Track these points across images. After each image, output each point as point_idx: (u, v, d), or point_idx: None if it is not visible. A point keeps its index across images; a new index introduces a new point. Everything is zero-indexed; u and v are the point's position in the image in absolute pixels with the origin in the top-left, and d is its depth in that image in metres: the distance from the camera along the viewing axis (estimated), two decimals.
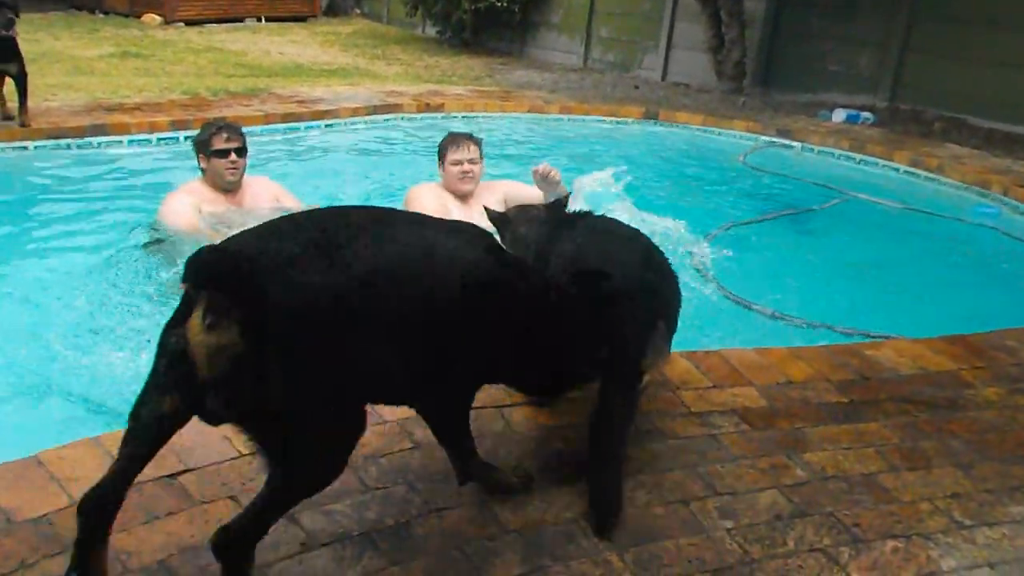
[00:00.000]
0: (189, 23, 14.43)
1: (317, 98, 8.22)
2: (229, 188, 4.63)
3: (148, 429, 1.94)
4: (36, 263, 4.56)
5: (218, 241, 1.88)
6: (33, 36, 11.93)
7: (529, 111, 8.61)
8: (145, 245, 4.55)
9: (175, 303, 1.93)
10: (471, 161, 4.63)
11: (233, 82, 8.92)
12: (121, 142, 6.47)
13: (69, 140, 6.22)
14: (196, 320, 1.80)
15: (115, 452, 2.48)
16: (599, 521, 2.39)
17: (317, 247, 1.89)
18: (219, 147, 4.53)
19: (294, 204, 4.88)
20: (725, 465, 2.70)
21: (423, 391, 2.23)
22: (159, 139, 6.66)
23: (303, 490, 2.06)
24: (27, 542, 2.15)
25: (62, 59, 10.04)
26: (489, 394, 2.78)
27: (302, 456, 1.96)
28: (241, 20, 15.24)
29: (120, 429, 2.62)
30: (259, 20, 15.51)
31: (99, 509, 1.95)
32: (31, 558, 2.11)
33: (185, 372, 1.82)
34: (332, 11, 17.00)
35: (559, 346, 2.41)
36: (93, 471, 2.43)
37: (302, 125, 7.33)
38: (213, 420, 1.96)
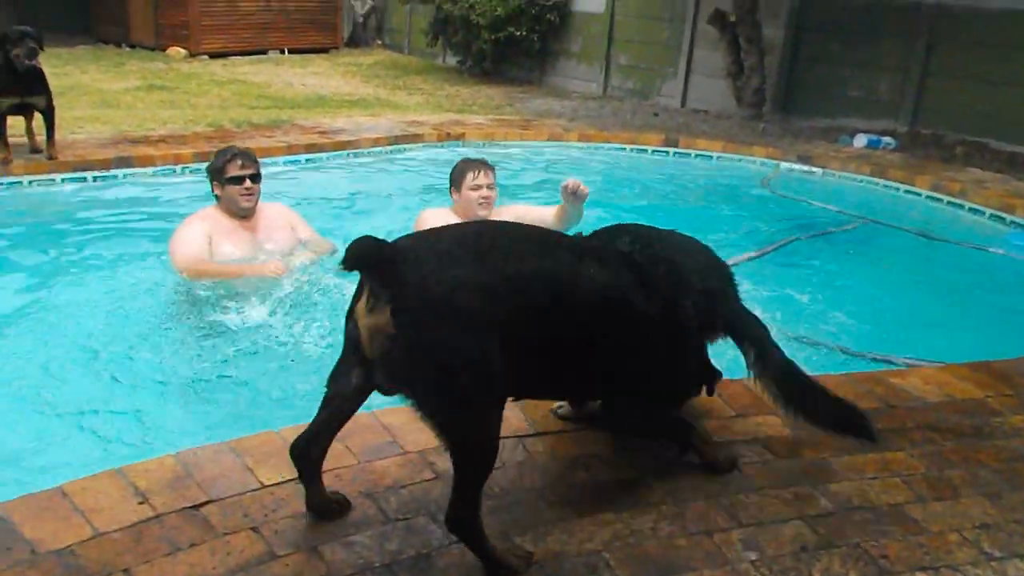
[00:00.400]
0: (213, 56, 14.63)
1: (339, 128, 8.30)
2: (244, 215, 4.64)
3: (339, 398, 2.29)
4: (62, 296, 4.61)
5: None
6: (61, 70, 12.17)
7: (549, 139, 8.65)
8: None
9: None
10: (490, 187, 4.67)
11: (256, 114, 9.04)
12: (146, 174, 6.56)
13: (95, 173, 6.30)
14: (361, 303, 2.10)
15: (138, 484, 2.53)
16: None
17: (470, 248, 2.14)
18: (233, 174, 4.54)
19: (307, 232, 4.93)
20: (749, 495, 2.68)
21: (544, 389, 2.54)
22: (184, 169, 6.73)
23: (471, 467, 2.20)
24: (52, 573, 2.16)
25: (89, 92, 10.21)
26: (509, 424, 2.78)
27: (459, 431, 2.15)
28: (264, 52, 15.44)
29: (143, 460, 2.67)
30: (282, 52, 15.71)
31: (303, 457, 2.36)
32: None
33: (360, 350, 2.13)
34: (354, 43, 17.19)
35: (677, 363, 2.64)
36: (117, 502, 2.45)
37: (324, 155, 7.40)
38: (385, 393, 2.24)
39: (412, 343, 2.03)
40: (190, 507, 2.43)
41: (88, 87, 10.67)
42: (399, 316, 2.02)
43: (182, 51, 14.76)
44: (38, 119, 6.33)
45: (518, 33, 12.76)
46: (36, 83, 6.13)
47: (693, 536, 2.47)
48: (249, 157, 4.64)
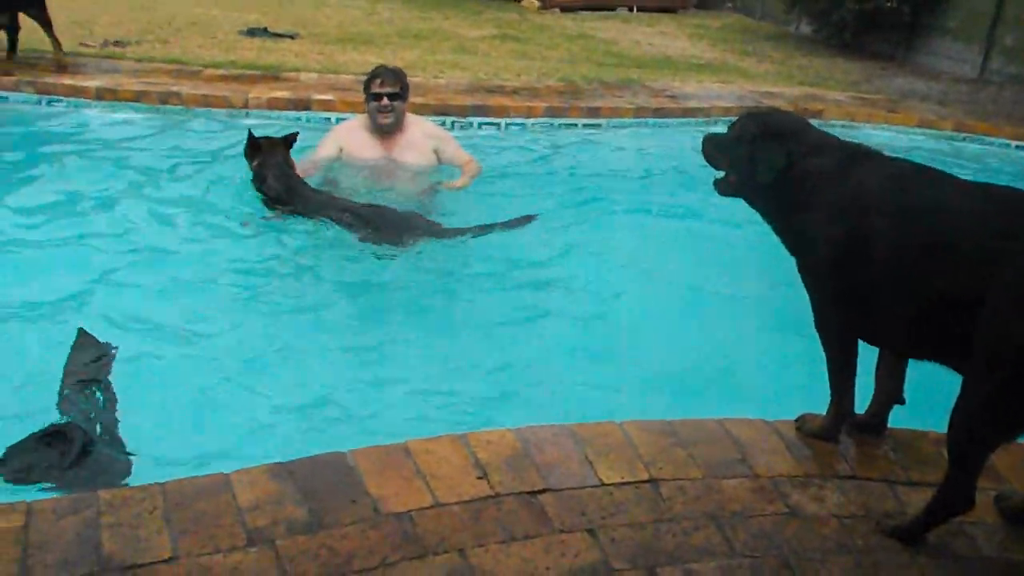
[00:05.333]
0: (564, 9, 14.78)
1: (689, 94, 7.97)
2: (383, 130, 5.07)
3: None
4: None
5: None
6: (426, 15, 12.87)
7: (918, 125, 7.74)
8: None
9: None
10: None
11: (605, 71, 8.93)
12: (499, 124, 6.66)
13: (454, 118, 6.49)
14: None
15: (479, 455, 2.45)
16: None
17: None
18: (375, 91, 4.99)
19: (453, 151, 5.33)
20: None
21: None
22: (534, 124, 6.75)
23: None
24: (391, 539, 2.12)
25: (449, 38, 10.64)
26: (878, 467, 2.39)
27: None
28: (613, 9, 15.36)
29: (484, 430, 2.59)
30: (631, 10, 15.55)
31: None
32: (392, 556, 2.07)
33: None
34: (704, 4, 16.66)
35: None
36: (458, 471, 2.38)
37: (672, 121, 7.11)
38: None
39: None
40: (528, 492, 2.31)
41: (449, 33, 11.14)
42: None
43: (536, 3, 15.04)
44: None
45: (888, 4, 11.62)
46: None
47: None
48: (393, 76, 5.01)
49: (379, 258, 4.39)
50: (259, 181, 4.69)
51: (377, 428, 3.01)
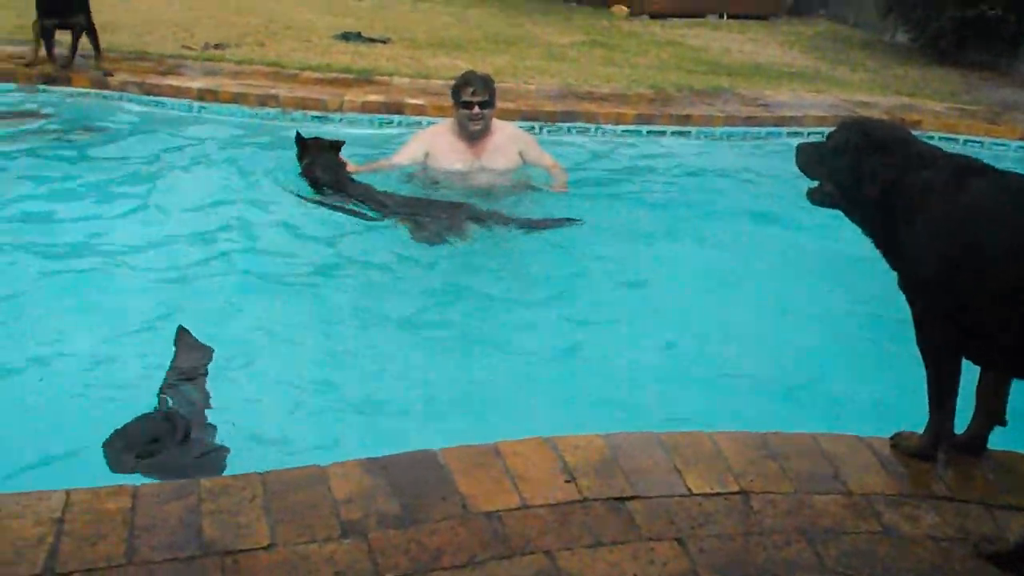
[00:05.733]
0: (653, 16, 14.69)
1: (781, 102, 7.84)
2: (471, 136, 5.18)
3: None
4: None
5: None
6: (516, 21, 12.96)
7: (1022, 139, 7.48)
8: None
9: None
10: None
11: (695, 78, 8.85)
12: (588, 130, 6.67)
13: (543, 123, 6.53)
14: None
15: (567, 459, 2.46)
16: None
17: None
18: (465, 98, 5.08)
19: (537, 155, 5.42)
20: None
21: None
22: (623, 131, 6.74)
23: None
24: (479, 537, 2.15)
25: (538, 44, 10.69)
26: None
27: None
28: (703, 16, 15.20)
29: (572, 435, 2.60)
30: (720, 16, 15.37)
31: None
32: (481, 555, 2.10)
33: None
34: (796, 11, 16.36)
35: None
36: (546, 474, 2.39)
37: (763, 130, 7.01)
38: None
39: None
40: (616, 498, 2.31)
41: (538, 39, 11.19)
42: None
43: (625, 9, 14.99)
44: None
45: (991, 11, 11.23)
46: (74, 5, 6.59)
47: None
48: (483, 84, 5.10)
49: (433, 247, 4.53)
50: (308, 174, 5.10)
51: (463, 426, 3.06)
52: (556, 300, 4.18)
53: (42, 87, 6.57)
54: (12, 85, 6.55)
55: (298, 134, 5.20)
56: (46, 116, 6.23)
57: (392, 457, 2.42)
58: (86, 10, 6.76)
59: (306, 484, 2.28)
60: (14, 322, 3.57)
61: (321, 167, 5.07)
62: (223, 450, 2.88)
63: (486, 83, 5.19)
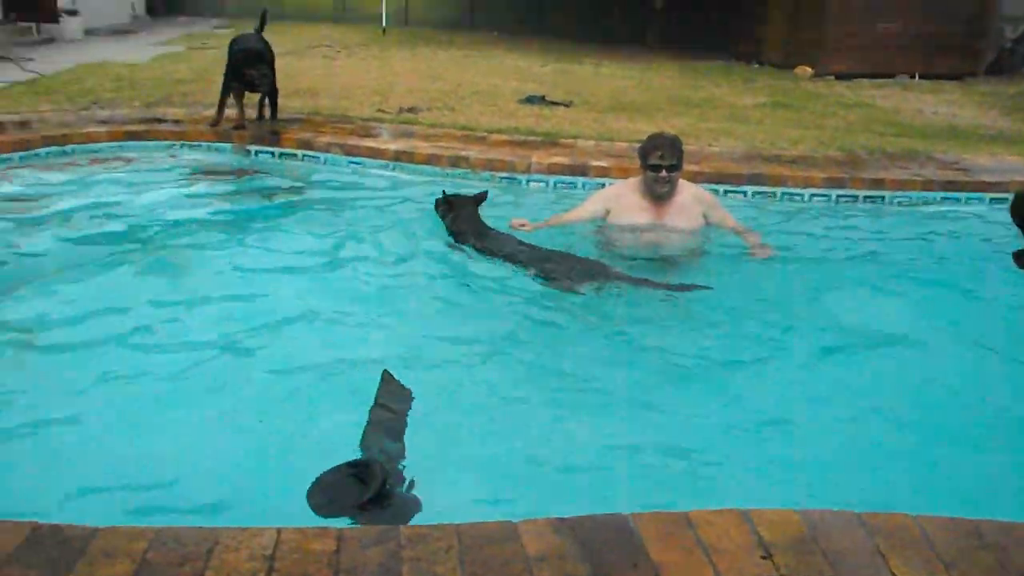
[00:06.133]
0: (839, 76, 14.36)
1: (981, 167, 7.43)
2: (658, 197, 5.25)
3: None
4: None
5: None
6: (696, 83, 12.97)
7: None
8: None
9: None
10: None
11: (887, 141, 8.53)
12: (774, 194, 6.56)
13: (727, 186, 6.47)
14: None
15: (762, 533, 2.39)
16: None
17: None
18: (653, 162, 5.16)
19: (721, 217, 5.43)
20: None
21: None
22: (812, 195, 6.59)
23: None
24: None
25: (720, 106, 10.66)
26: None
27: None
28: (892, 76, 14.71)
29: (768, 508, 2.53)
30: (911, 77, 14.82)
31: None
32: None
33: None
34: (995, 70, 15.53)
35: None
36: (741, 548, 2.32)
37: (963, 195, 6.66)
38: None
39: None
40: None
41: (720, 101, 11.15)
42: None
43: (809, 70, 14.73)
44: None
45: None
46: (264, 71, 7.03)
47: None
48: (671, 148, 5.17)
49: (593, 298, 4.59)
50: (453, 229, 5.36)
51: (649, 491, 3.03)
52: (746, 365, 4.09)
53: (255, 148, 7.09)
54: (228, 146, 7.11)
55: (443, 192, 5.49)
56: (259, 174, 6.73)
57: (582, 518, 2.42)
58: (272, 75, 7.25)
59: (499, 539, 2.32)
60: (233, 367, 3.83)
61: (464, 220, 5.34)
62: (414, 499, 2.97)
63: (674, 146, 5.21)
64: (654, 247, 5.23)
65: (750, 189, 6.53)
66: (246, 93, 7.25)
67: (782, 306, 4.62)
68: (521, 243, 5.17)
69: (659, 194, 5.24)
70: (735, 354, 4.17)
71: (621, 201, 5.39)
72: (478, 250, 5.13)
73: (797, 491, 3.05)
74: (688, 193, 5.43)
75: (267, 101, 7.47)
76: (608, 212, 5.40)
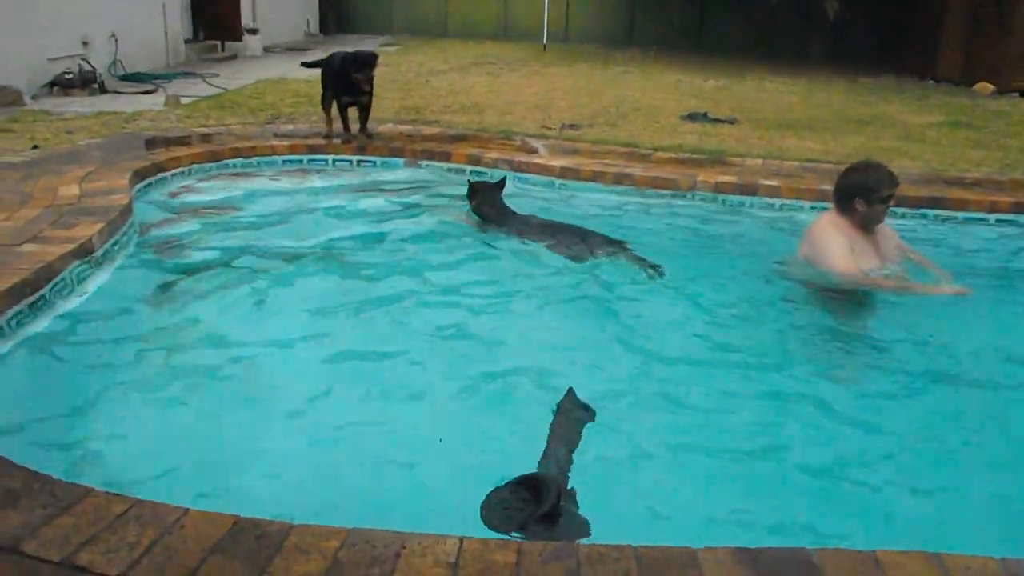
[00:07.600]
0: (1023, 93, 13.51)
1: None
2: (872, 231, 4.90)
3: None
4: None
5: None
6: (865, 99, 12.50)
7: None
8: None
9: None
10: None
11: None
12: (955, 218, 6.24)
13: (904, 210, 6.18)
14: None
15: (954, 572, 2.28)
16: None
17: None
18: (886, 194, 4.76)
19: (906, 248, 5.14)
20: None
21: None
22: (997, 219, 6.23)
23: None
24: None
25: (893, 124, 10.22)
26: None
27: None
28: None
29: (963, 554, 2.40)
30: None
31: None
32: None
33: None
34: None
35: None
36: None
37: None
38: None
39: None
40: None
41: (892, 119, 10.69)
42: None
43: (990, 87, 13.94)
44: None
45: None
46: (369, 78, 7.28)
47: None
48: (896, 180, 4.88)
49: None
50: (478, 211, 5.89)
51: (823, 524, 2.95)
52: (937, 396, 3.94)
53: (424, 163, 7.32)
54: (400, 161, 7.36)
55: (469, 181, 6.11)
56: (429, 187, 6.94)
57: (764, 551, 2.38)
58: (371, 90, 7.49)
59: (678, 565, 2.31)
60: (413, 384, 3.90)
61: (488, 203, 5.87)
62: (583, 520, 2.98)
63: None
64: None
65: (929, 212, 6.23)
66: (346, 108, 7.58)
67: (971, 334, 4.39)
68: (540, 221, 5.77)
69: (873, 229, 4.89)
70: (923, 387, 4.00)
71: (854, 240, 4.86)
72: (502, 230, 5.72)
73: (988, 536, 2.89)
74: (883, 229, 5.01)
75: (358, 114, 7.66)
76: (851, 249, 4.86)
